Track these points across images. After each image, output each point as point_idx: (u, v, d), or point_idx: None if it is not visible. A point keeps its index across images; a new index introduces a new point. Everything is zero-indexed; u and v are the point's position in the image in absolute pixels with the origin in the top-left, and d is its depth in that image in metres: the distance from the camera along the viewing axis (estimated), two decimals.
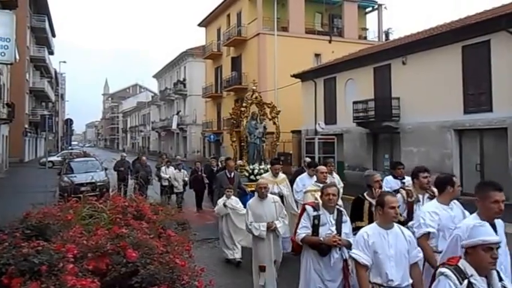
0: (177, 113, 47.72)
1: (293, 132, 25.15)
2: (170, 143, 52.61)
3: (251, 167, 10.52)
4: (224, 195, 7.88)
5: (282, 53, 24.96)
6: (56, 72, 49.73)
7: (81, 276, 2.57)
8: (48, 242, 3.00)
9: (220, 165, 13.23)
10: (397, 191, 5.32)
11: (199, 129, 42.81)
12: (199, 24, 40.37)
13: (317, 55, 29.09)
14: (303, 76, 24.77)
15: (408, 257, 3.61)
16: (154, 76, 60.66)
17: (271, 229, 5.73)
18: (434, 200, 4.38)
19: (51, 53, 44.73)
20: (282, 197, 7.39)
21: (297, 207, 7.60)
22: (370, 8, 33.80)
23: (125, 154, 17.73)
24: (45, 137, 18.21)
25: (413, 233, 3.96)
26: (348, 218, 4.59)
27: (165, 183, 13.52)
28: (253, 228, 5.75)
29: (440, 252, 3.71)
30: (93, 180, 13.13)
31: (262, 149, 11.00)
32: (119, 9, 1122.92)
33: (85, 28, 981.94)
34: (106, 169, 16.76)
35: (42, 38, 39.83)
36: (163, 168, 13.84)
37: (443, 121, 15.78)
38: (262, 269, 5.73)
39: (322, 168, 6.83)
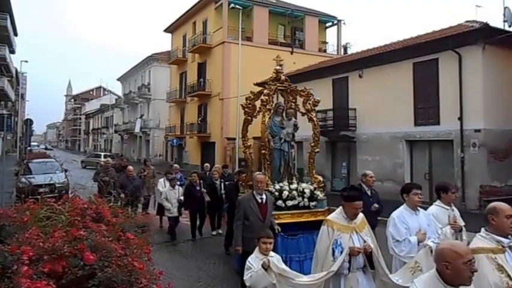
0: (141, 117, 47.30)
1: (255, 138, 25.46)
2: (133, 146, 51.97)
3: (277, 186, 6.98)
4: (257, 248, 4.21)
5: (246, 61, 25.37)
6: (17, 71, 48.06)
7: (36, 279, 2.51)
8: (3, 243, 2.90)
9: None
10: None
11: (162, 133, 42.48)
12: (166, 30, 40.22)
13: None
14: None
15: None
16: (119, 79, 59.65)
17: None
18: None
19: (12, 51, 43.13)
20: (370, 253, 4.06)
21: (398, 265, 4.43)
22: (330, 23, 34.98)
23: (110, 160, 13.60)
24: (3, 137, 17.74)
25: None
26: None
27: (164, 201, 10.26)
28: None
29: None
30: (52, 182, 12.98)
31: (292, 158, 7.61)
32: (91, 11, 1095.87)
33: (47, 22, 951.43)
34: (66, 170, 16.52)
35: (3, 36, 38.27)
36: (161, 180, 10.87)
37: (396, 132, 16.63)
38: None
39: (507, 208, 3.16)
